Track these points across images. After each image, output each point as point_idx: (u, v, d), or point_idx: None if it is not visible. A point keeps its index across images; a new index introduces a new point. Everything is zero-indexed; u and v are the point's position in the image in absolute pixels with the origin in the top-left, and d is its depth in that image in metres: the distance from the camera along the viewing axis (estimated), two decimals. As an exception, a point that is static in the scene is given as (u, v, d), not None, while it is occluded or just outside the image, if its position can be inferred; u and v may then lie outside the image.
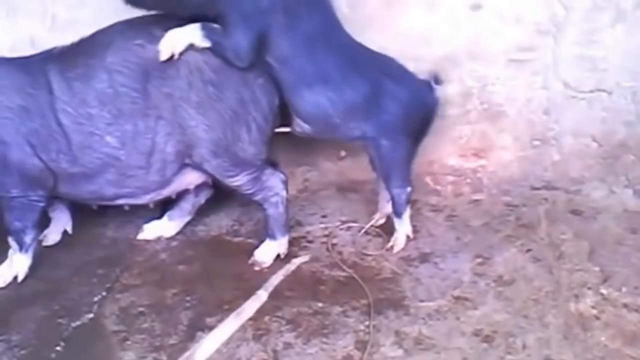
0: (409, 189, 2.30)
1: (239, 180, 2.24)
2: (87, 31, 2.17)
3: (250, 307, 2.08)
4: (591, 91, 2.49)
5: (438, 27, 2.48)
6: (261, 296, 2.12)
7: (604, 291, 2.09)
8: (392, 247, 2.35)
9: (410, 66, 2.43)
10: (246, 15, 2.02)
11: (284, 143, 2.42)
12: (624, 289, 2.09)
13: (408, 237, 2.37)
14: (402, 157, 2.27)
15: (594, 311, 2.01)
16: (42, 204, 2.24)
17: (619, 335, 1.91)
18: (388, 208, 2.42)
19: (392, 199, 2.33)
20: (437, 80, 2.24)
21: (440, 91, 2.25)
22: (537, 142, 2.59)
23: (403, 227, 2.36)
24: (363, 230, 2.46)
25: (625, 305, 2.03)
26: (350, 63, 2.15)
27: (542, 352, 1.87)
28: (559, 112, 2.54)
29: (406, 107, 2.19)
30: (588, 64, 2.46)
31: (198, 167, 2.22)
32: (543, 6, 2.41)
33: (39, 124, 2.10)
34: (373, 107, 2.17)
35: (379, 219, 2.48)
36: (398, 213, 2.34)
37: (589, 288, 2.10)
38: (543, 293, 2.10)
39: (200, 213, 2.56)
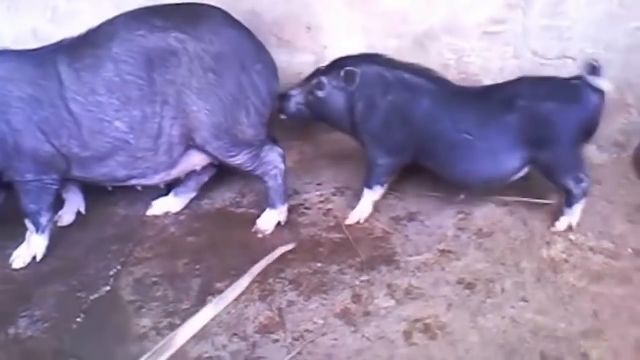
0: (584, 185, 2.31)
1: (240, 160, 2.40)
2: (87, 22, 2.31)
3: (230, 295, 2.16)
4: (558, 58, 2.69)
5: (417, 5, 2.65)
6: (243, 284, 2.19)
7: (572, 237, 2.33)
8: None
9: (392, 43, 2.63)
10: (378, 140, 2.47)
11: (281, 120, 2.56)
12: (590, 234, 2.34)
13: (570, 227, 2.37)
14: (565, 164, 2.30)
15: (564, 255, 2.26)
16: (56, 187, 2.37)
17: (585, 276, 2.16)
18: None
19: (565, 192, 2.35)
20: (595, 71, 2.21)
21: (599, 81, 2.21)
22: (510, 107, 2.80)
23: (569, 217, 2.36)
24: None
25: (591, 249, 2.28)
26: (480, 118, 2.30)
27: (519, 295, 2.11)
28: (529, 78, 2.74)
29: (556, 118, 2.23)
30: (554, 34, 2.66)
31: (201, 149, 2.36)
32: (512, -20, 2.60)
33: (50, 112, 2.22)
34: (519, 139, 2.26)
35: None
36: (569, 204, 2.35)
37: (559, 235, 2.34)
38: (519, 242, 2.34)
39: (205, 188, 2.72)
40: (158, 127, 2.27)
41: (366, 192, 2.53)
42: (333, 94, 2.43)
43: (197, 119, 2.27)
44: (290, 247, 2.43)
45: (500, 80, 2.73)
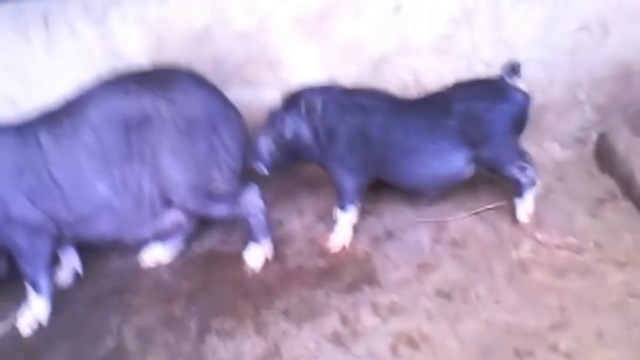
0: (529, 172, 2.47)
1: (218, 211, 2.54)
2: (60, 87, 2.46)
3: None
4: (507, 66, 2.85)
5: (369, 32, 2.80)
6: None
7: (538, 236, 2.47)
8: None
9: (351, 69, 2.78)
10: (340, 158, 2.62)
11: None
12: (554, 232, 2.48)
13: (528, 215, 2.52)
14: (505, 156, 2.48)
15: (531, 255, 2.40)
16: (50, 250, 2.47)
17: (551, 272, 2.30)
18: None
19: (514, 183, 2.51)
20: (515, 71, 2.40)
21: (520, 82, 2.40)
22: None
23: (524, 206, 2.52)
24: (473, 212, 2.67)
25: (556, 246, 2.42)
26: (424, 126, 2.49)
27: (492, 298, 2.25)
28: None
29: (488, 116, 2.41)
30: (501, 43, 2.81)
31: (180, 208, 2.49)
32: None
33: (34, 179, 2.33)
34: (460, 140, 2.45)
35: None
36: (519, 194, 2.51)
37: (526, 236, 2.48)
38: (489, 247, 2.48)
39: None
40: (138, 186, 2.40)
41: (340, 214, 2.67)
42: (298, 128, 2.56)
43: (172, 178, 2.40)
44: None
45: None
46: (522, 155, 2.51)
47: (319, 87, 2.60)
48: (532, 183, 2.50)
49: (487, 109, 2.42)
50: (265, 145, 2.59)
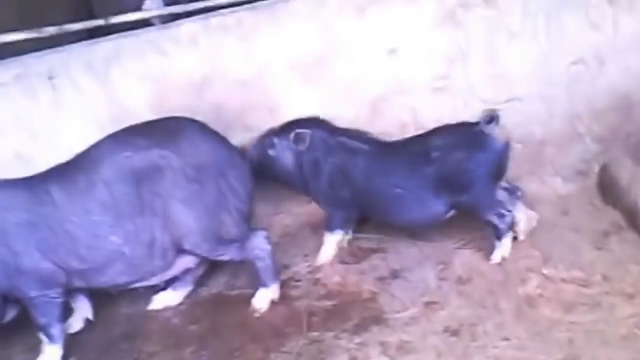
0: (507, 219, 2.54)
1: (228, 255, 2.59)
2: (67, 142, 2.54)
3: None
4: (506, 101, 2.88)
5: (366, 73, 2.85)
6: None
7: (545, 271, 2.47)
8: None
9: (349, 110, 2.83)
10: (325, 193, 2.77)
11: (259, 198, 2.72)
12: (560, 266, 2.48)
13: (503, 258, 2.59)
14: (484, 202, 2.54)
15: (538, 290, 2.39)
16: (61, 299, 2.50)
17: (559, 307, 2.30)
18: None
19: (492, 228, 2.57)
20: (492, 120, 2.46)
21: (496, 129, 2.46)
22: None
23: (501, 249, 2.58)
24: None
25: (563, 280, 2.42)
26: (405, 170, 2.57)
27: (500, 334, 2.24)
28: (483, 124, 2.93)
29: (466, 164, 2.48)
30: (497, 79, 2.87)
31: (191, 253, 2.54)
32: (447, 39, 2.82)
33: (46, 233, 2.39)
34: (439, 185, 2.51)
35: None
36: (498, 237, 2.57)
37: (533, 271, 2.48)
38: (495, 284, 2.48)
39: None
40: (150, 236, 2.45)
41: (328, 235, 2.79)
42: (283, 153, 2.67)
43: (184, 225, 2.46)
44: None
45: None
46: (500, 202, 2.57)
47: (314, 121, 2.70)
48: (509, 229, 2.58)
49: (466, 159, 2.49)
50: (254, 153, 2.69)
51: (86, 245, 2.42)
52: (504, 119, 2.85)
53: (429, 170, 2.51)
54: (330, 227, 2.77)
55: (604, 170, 2.89)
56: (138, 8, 3.15)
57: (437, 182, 2.51)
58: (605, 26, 2.83)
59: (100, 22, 2.74)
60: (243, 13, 2.74)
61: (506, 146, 2.51)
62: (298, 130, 2.63)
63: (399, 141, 2.70)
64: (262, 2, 2.73)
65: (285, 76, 2.68)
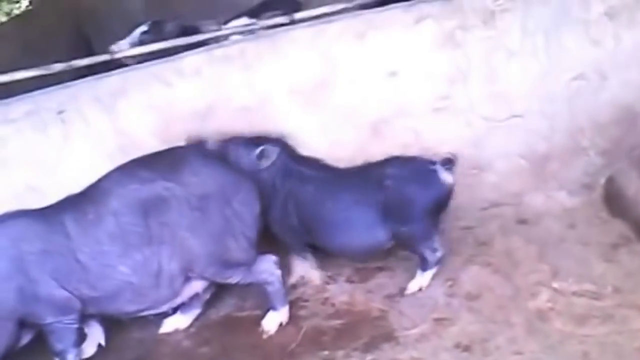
0: (438, 254, 2.61)
1: (235, 279, 2.62)
2: (75, 173, 2.62)
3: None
4: (507, 118, 2.92)
5: (366, 97, 2.90)
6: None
7: (555, 285, 2.46)
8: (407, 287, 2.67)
9: (351, 134, 2.87)
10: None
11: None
12: (570, 280, 2.46)
13: (421, 288, 2.65)
14: (421, 235, 2.59)
15: (549, 304, 2.37)
16: (76, 325, 2.55)
17: (571, 320, 2.27)
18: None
19: (421, 259, 2.63)
20: (449, 163, 2.56)
21: (447, 174, 2.55)
22: (474, 171, 2.99)
23: (421, 279, 2.65)
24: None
25: (573, 293, 2.40)
26: (353, 197, 2.61)
27: (512, 349, 2.22)
28: (486, 141, 2.96)
29: (415, 198, 2.54)
30: (498, 97, 2.90)
31: (199, 276, 2.59)
32: (447, 60, 2.87)
33: (59, 262, 2.46)
34: (387, 214, 2.55)
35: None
36: (424, 268, 2.64)
37: (542, 285, 2.47)
38: (505, 299, 2.46)
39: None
40: (158, 265, 2.50)
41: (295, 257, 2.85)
42: (242, 163, 2.67)
43: (191, 252, 2.51)
44: None
45: (458, 148, 2.96)
46: (435, 236, 2.63)
47: (280, 142, 2.72)
48: (437, 263, 2.63)
49: (415, 192, 2.55)
50: (211, 147, 2.68)
51: (96, 275, 2.48)
52: (506, 136, 2.95)
53: (380, 197, 2.56)
54: (294, 250, 2.83)
55: (610, 182, 2.89)
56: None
57: (385, 210, 2.56)
58: (605, 41, 2.86)
59: (106, 57, 2.83)
60: (245, 43, 2.83)
61: (451, 189, 2.58)
62: (267, 146, 2.65)
63: (352, 168, 2.74)
64: (265, 31, 2.81)
65: (287, 102, 2.74)
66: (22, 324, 2.54)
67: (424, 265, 2.63)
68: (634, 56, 2.88)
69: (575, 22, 2.84)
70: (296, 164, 2.72)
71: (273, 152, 2.66)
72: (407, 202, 2.54)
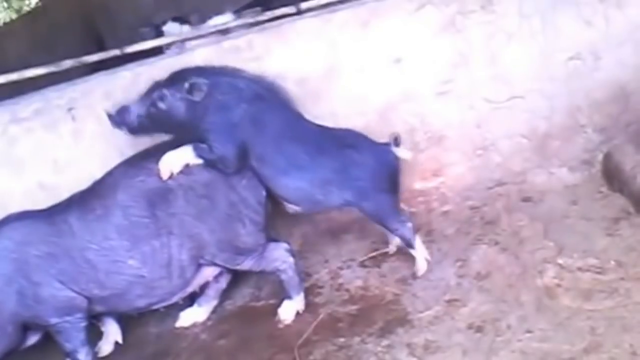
0: (409, 224, 2.67)
1: (247, 265, 2.66)
2: (86, 169, 2.63)
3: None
4: (508, 99, 2.98)
5: (373, 84, 2.94)
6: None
7: (560, 261, 2.54)
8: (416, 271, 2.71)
9: (359, 120, 2.92)
10: (223, 132, 2.50)
11: (276, 209, 2.77)
12: (575, 255, 2.54)
13: (428, 261, 2.70)
14: (387, 209, 2.66)
15: (556, 280, 2.46)
16: (83, 324, 2.56)
17: (578, 295, 2.36)
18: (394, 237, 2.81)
19: (401, 238, 2.70)
20: (397, 142, 2.62)
21: (400, 150, 2.64)
22: (480, 152, 3.06)
23: (420, 254, 2.70)
24: (369, 256, 2.87)
25: (579, 269, 2.48)
26: (316, 146, 2.59)
27: (523, 327, 2.30)
28: (489, 123, 3.02)
29: (373, 170, 2.60)
30: (498, 79, 2.96)
31: (211, 263, 2.62)
32: (449, 45, 2.91)
33: (66, 263, 2.47)
34: (346, 178, 2.59)
35: (392, 249, 2.87)
36: (410, 245, 2.69)
37: (549, 262, 2.55)
38: (514, 277, 2.54)
39: (223, 287, 2.92)
40: (168, 256, 2.52)
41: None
42: (176, 105, 2.51)
43: (201, 239, 2.54)
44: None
45: (463, 131, 3.02)
46: (400, 210, 2.70)
47: (210, 70, 2.60)
48: (415, 232, 2.69)
49: (373, 166, 2.61)
50: (136, 109, 2.54)
51: (105, 271, 2.49)
52: (508, 117, 3.01)
53: (335, 163, 2.58)
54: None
55: (608, 158, 2.96)
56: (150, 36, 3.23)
57: (341, 173, 2.58)
58: (597, 22, 2.92)
59: (116, 52, 2.82)
60: (253, 35, 2.84)
61: (399, 163, 2.66)
62: (195, 80, 2.49)
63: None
64: (272, 23, 2.82)
65: (296, 91, 2.76)
66: (26, 327, 2.55)
67: (407, 242, 2.68)
68: (626, 36, 2.94)
69: (569, 3, 2.90)
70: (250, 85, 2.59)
71: (202, 83, 2.51)
72: (364, 175, 2.58)
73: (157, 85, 2.55)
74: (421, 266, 2.71)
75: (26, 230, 2.49)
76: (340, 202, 2.66)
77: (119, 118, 2.54)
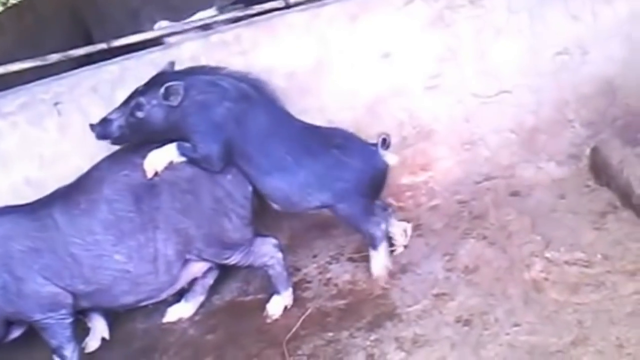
0: (382, 226, 2.66)
1: (234, 259, 2.65)
2: (73, 163, 2.60)
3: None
4: (496, 94, 2.98)
5: (362, 79, 2.94)
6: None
7: (548, 255, 2.55)
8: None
9: (348, 114, 2.92)
10: (206, 132, 2.48)
11: (265, 204, 2.74)
12: (562, 249, 2.56)
13: (388, 268, 2.70)
14: (361, 212, 2.63)
15: (543, 274, 2.47)
16: (68, 320, 2.54)
17: (564, 289, 2.37)
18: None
19: (369, 237, 2.68)
20: (385, 143, 2.59)
21: (388, 154, 2.61)
22: (468, 146, 3.06)
23: (379, 258, 2.69)
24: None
25: (566, 262, 2.50)
26: (302, 147, 2.57)
27: (510, 320, 2.32)
28: (477, 117, 3.02)
29: (358, 174, 2.58)
30: (487, 74, 2.96)
31: (198, 257, 2.61)
32: (438, 40, 2.91)
33: (50, 258, 2.45)
34: (328, 181, 2.57)
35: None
36: (374, 246, 2.68)
37: (536, 256, 2.56)
38: (502, 271, 2.55)
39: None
40: (154, 250, 2.51)
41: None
42: (154, 112, 2.47)
43: (187, 234, 2.53)
44: None
45: (451, 125, 3.02)
46: (376, 214, 2.67)
47: (186, 71, 2.59)
48: (384, 237, 2.67)
49: (357, 168, 2.58)
50: (116, 120, 2.50)
51: (90, 267, 2.47)
52: (496, 111, 3.01)
53: (318, 165, 2.56)
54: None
55: (595, 152, 2.98)
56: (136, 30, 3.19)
57: (326, 174, 2.56)
58: (585, 17, 2.93)
59: (102, 46, 2.80)
60: (241, 29, 2.82)
61: (388, 167, 2.64)
62: (169, 84, 2.43)
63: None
64: (260, 17, 2.81)
65: (284, 86, 2.75)
66: (8, 322, 2.53)
67: (374, 243, 2.66)
68: (614, 30, 2.95)
69: (556, -1, 2.90)
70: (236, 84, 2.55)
71: (178, 86, 2.46)
72: (347, 176, 2.56)
73: (135, 93, 2.51)
74: (376, 271, 2.69)
75: (9, 225, 2.47)
76: (317, 205, 2.64)
77: (101, 130, 2.51)
